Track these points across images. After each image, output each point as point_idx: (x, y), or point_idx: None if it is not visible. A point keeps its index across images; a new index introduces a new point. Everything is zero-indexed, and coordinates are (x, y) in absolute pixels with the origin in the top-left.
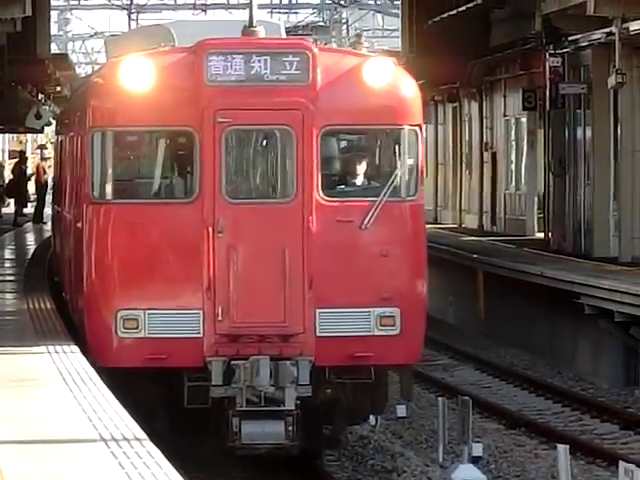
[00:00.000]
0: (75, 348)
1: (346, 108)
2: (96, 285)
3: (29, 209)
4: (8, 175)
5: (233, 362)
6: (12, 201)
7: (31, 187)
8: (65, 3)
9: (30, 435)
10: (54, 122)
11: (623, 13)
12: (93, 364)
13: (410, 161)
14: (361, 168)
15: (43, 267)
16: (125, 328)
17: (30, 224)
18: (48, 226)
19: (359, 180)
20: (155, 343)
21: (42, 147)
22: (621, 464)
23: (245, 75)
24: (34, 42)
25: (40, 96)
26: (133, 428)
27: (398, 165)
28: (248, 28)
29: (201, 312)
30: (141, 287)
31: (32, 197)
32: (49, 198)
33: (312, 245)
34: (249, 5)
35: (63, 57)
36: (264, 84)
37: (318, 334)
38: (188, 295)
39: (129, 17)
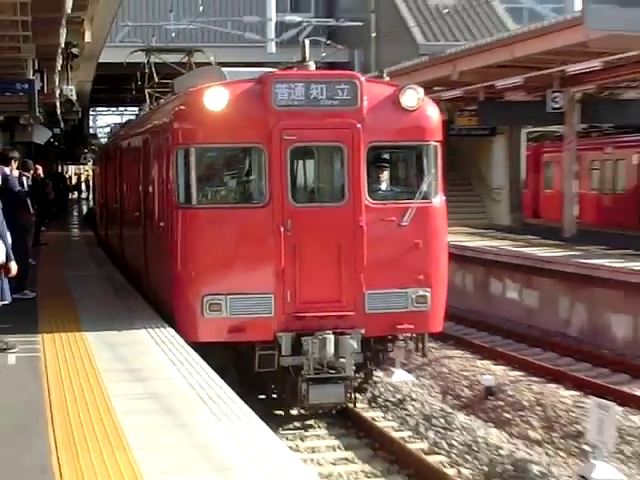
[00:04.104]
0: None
1: (386, 127)
2: (185, 275)
3: (83, 195)
4: (74, 182)
5: (303, 338)
6: (76, 193)
7: (83, 186)
8: (95, 112)
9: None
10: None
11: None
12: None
13: (433, 170)
14: (398, 176)
15: (89, 219)
16: (210, 310)
17: (85, 201)
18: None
19: (396, 186)
20: (234, 322)
21: (87, 171)
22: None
23: (305, 100)
24: (82, 128)
25: (85, 150)
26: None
27: (426, 173)
28: (302, 62)
29: (272, 296)
30: (223, 276)
31: (84, 191)
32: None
33: (361, 240)
34: (302, 44)
35: (94, 135)
36: (321, 108)
37: (367, 311)
38: (262, 282)
39: (121, 118)
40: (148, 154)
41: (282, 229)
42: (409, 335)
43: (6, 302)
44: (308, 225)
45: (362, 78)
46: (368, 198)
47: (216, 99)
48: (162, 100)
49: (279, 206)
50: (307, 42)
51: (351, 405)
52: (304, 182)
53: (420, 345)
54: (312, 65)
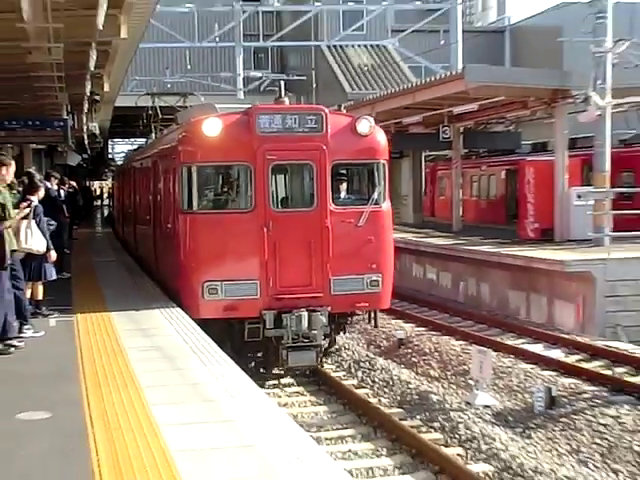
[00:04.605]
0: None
1: (346, 149)
2: (188, 266)
3: (105, 203)
4: (97, 193)
5: (283, 314)
6: (99, 201)
7: (105, 196)
8: (113, 142)
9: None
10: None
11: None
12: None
13: (382, 182)
14: (354, 187)
15: (109, 220)
16: (209, 294)
17: (106, 207)
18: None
19: (353, 195)
20: (228, 302)
21: (107, 185)
22: (475, 348)
23: (282, 128)
24: (103, 154)
25: (106, 169)
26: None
27: (377, 185)
28: (279, 98)
29: (258, 282)
30: (218, 266)
31: (105, 200)
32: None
33: (327, 237)
34: (279, 84)
35: (112, 159)
36: (295, 134)
37: (332, 293)
38: (249, 271)
39: (132, 146)
40: (157, 170)
41: (265, 229)
42: (365, 311)
43: (52, 279)
44: (285, 226)
45: (326, 110)
46: (332, 204)
47: (212, 127)
48: (165, 130)
49: (262, 211)
50: (282, 83)
51: (320, 366)
52: (282, 192)
53: (373, 318)
54: (287, 101)
